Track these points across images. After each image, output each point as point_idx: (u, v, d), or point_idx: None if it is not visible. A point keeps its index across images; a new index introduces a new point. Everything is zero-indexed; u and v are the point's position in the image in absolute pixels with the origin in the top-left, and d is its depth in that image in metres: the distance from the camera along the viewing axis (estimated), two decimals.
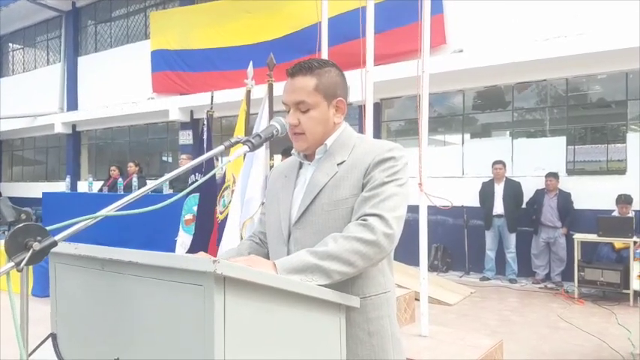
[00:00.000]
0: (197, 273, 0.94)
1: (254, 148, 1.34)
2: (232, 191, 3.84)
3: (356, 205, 1.34)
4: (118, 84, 12.43)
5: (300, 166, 1.51)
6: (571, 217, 6.63)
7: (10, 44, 16.29)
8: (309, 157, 1.49)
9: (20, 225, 0.93)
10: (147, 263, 1.01)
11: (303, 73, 1.41)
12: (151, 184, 1.09)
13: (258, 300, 1.04)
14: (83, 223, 0.99)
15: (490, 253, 7.06)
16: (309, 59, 1.44)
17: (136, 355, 1.07)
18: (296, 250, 1.37)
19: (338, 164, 1.40)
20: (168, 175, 1.25)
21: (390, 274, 1.46)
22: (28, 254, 0.91)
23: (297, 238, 1.40)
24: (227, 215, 3.79)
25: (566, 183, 6.80)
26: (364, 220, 1.28)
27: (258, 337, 1.04)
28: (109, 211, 1.02)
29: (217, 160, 6.91)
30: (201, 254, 1.36)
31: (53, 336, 1.27)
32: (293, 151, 1.52)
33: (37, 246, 0.92)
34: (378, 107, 8.00)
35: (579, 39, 6.48)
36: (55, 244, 0.95)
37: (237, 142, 1.35)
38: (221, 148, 1.35)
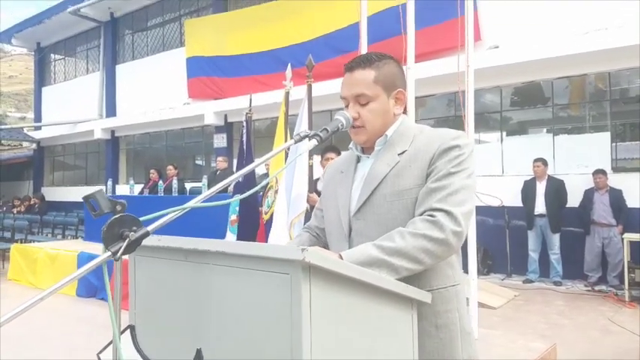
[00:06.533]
0: (284, 261, 0.94)
1: (322, 141, 1.35)
2: (275, 191, 3.89)
3: (420, 197, 1.30)
4: (154, 90, 12.76)
5: (358, 160, 1.49)
6: (625, 214, 6.30)
7: (52, 55, 16.97)
8: (366, 150, 1.47)
9: (116, 216, 0.96)
10: (234, 252, 1.02)
11: (362, 67, 1.39)
12: (222, 183, 1.12)
13: (338, 291, 1.03)
14: (173, 214, 1.02)
15: (533, 255, 6.83)
16: (368, 53, 1.43)
17: (218, 346, 1.08)
18: (358, 241, 1.35)
19: (399, 154, 1.38)
20: (234, 176, 1.25)
21: (458, 267, 1.42)
22: (125, 244, 0.94)
23: (357, 230, 1.38)
24: (272, 215, 3.83)
25: (613, 180, 6.54)
26: (431, 215, 1.24)
27: (338, 328, 1.03)
28: (195, 203, 1.04)
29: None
30: None
31: (131, 328, 1.30)
32: (350, 145, 1.51)
33: (132, 236, 0.95)
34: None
35: (620, 31, 6.28)
36: (148, 234, 0.97)
37: (305, 137, 1.36)
38: (291, 142, 1.36)
